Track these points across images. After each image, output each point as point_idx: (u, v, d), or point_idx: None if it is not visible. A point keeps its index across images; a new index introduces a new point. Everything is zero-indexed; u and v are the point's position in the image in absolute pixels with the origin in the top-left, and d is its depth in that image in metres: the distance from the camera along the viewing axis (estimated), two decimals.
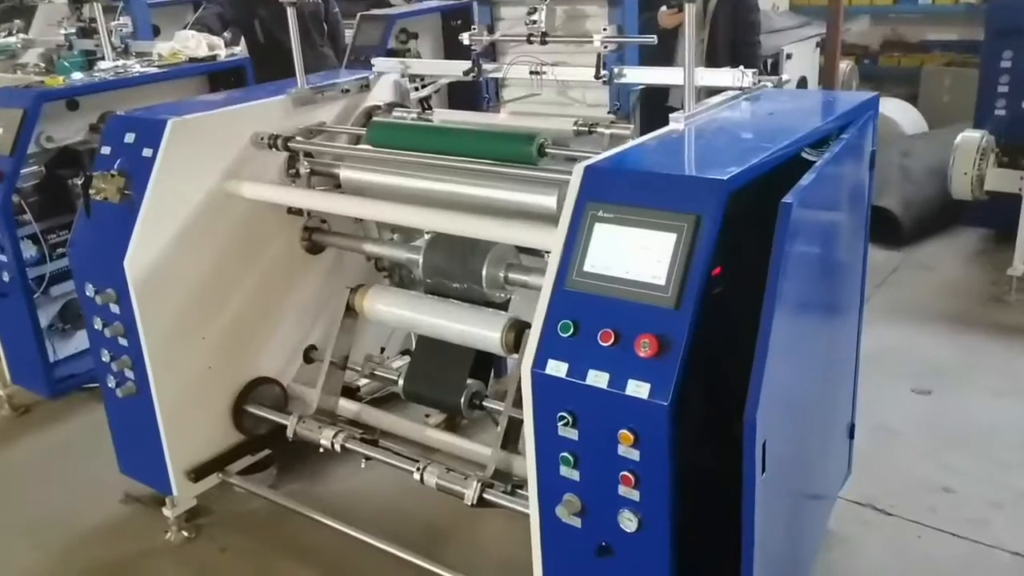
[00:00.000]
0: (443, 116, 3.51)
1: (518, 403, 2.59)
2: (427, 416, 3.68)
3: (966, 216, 5.76)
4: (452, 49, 6.19)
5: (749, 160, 2.19)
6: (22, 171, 4.01)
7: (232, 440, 3.42)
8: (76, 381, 4.28)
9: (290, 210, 3.39)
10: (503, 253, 2.95)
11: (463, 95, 4.68)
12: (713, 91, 2.95)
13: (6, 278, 4.04)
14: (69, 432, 4.18)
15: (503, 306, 3.04)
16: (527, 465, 2.27)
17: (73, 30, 5.24)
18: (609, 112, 3.38)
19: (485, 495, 2.76)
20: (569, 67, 3.38)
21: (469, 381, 3.05)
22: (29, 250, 4.09)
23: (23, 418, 4.38)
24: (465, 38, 3.46)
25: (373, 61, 3.86)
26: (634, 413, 2.01)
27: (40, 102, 4.00)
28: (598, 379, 2.05)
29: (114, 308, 3.04)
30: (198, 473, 3.29)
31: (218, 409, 3.36)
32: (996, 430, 3.80)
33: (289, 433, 3.26)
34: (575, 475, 2.15)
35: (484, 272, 2.93)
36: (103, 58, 4.77)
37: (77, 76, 4.39)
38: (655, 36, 3.13)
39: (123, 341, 3.07)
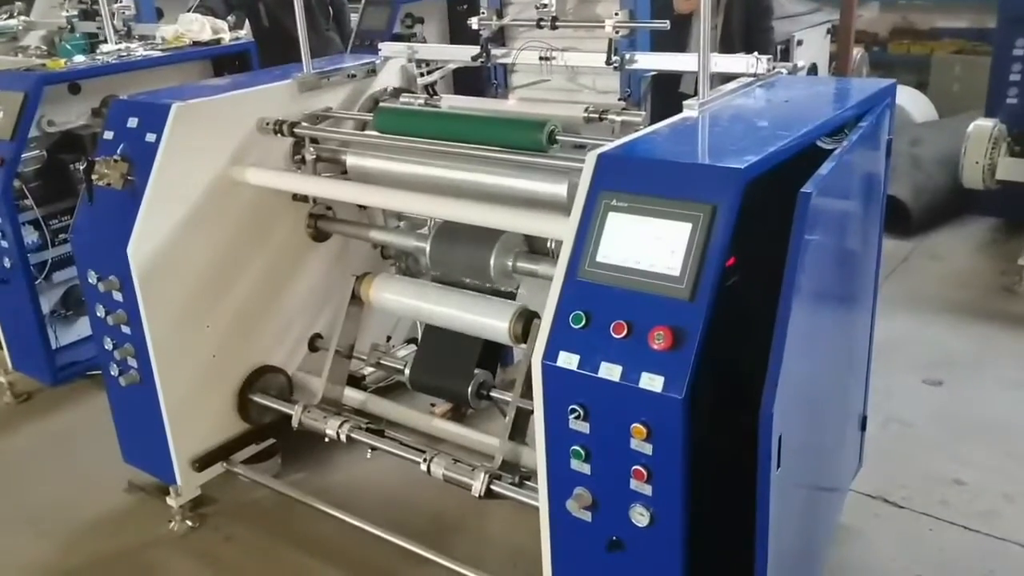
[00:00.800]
0: (451, 102, 3.46)
1: (526, 393, 2.56)
2: (432, 405, 3.65)
3: (976, 205, 5.70)
4: (457, 34, 6.14)
5: (766, 149, 2.14)
6: (23, 156, 3.98)
7: (237, 429, 3.40)
8: (79, 368, 4.26)
9: (295, 197, 3.36)
10: (511, 242, 2.91)
11: (467, 80, 4.62)
12: (726, 78, 2.90)
13: (7, 264, 4.01)
14: (71, 420, 4.15)
15: (510, 295, 3.01)
16: (537, 458, 2.23)
17: (75, 12, 5.21)
18: (620, 99, 3.32)
19: (493, 487, 2.73)
20: (580, 52, 3.33)
21: (476, 371, 3.03)
22: (31, 236, 4.08)
23: (25, 405, 4.35)
24: (474, 22, 3.41)
25: (380, 46, 3.81)
26: (647, 407, 1.97)
27: (41, 85, 3.97)
28: (610, 372, 2.01)
29: (117, 296, 3.01)
30: (202, 462, 3.28)
31: (222, 398, 3.34)
32: (1008, 422, 3.77)
33: (294, 422, 3.24)
34: (586, 469, 2.12)
35: (492, 261, 2.89)
36: (105, 41, 4.73)
37: (79, 59, 4.35)
38: (668, 21, 3.08)
39: (126, 329, 3.05)
